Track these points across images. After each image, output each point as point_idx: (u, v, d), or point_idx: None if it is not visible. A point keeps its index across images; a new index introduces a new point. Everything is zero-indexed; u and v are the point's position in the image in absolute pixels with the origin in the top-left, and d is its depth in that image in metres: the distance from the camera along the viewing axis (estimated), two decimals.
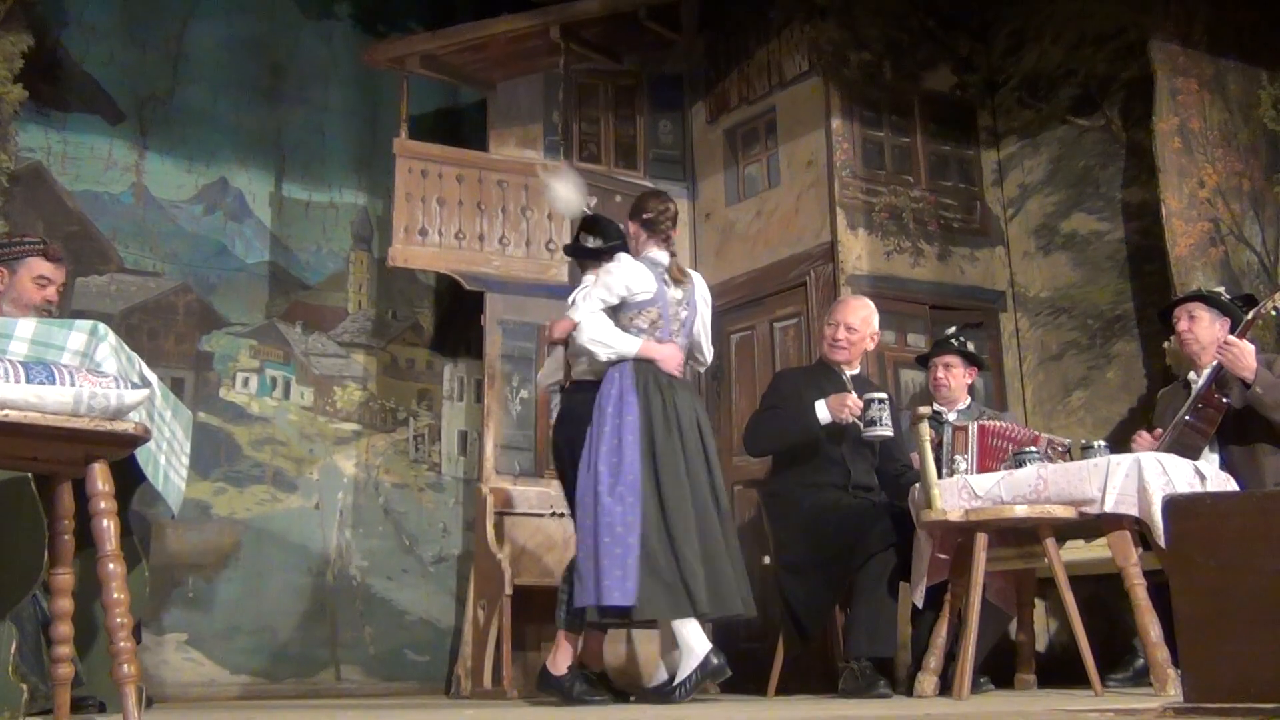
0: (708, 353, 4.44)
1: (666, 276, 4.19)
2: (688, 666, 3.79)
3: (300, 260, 6.22)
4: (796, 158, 6.27)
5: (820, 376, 4.74)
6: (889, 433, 4.46)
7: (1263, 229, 5.37)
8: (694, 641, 3.81)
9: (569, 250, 4.76)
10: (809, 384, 4.69)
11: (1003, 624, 4.58)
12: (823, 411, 4.50)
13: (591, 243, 4.52)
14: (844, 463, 4.61)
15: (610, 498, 3.87)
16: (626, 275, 4.13)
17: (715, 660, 3.79)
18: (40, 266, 3.79)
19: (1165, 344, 5.13)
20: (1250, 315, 4.27)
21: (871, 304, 4.86)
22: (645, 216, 4.26)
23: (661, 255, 4.21)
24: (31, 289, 3.76)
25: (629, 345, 4.05)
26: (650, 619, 3.94)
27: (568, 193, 4.77)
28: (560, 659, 4.10)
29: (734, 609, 3.92)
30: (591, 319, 4.07)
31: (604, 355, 4.06)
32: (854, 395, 4.51)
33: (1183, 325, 4.52)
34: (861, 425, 4.44)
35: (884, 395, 4.50)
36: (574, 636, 4.11)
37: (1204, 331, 4.46)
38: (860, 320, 4.74)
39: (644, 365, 4.05)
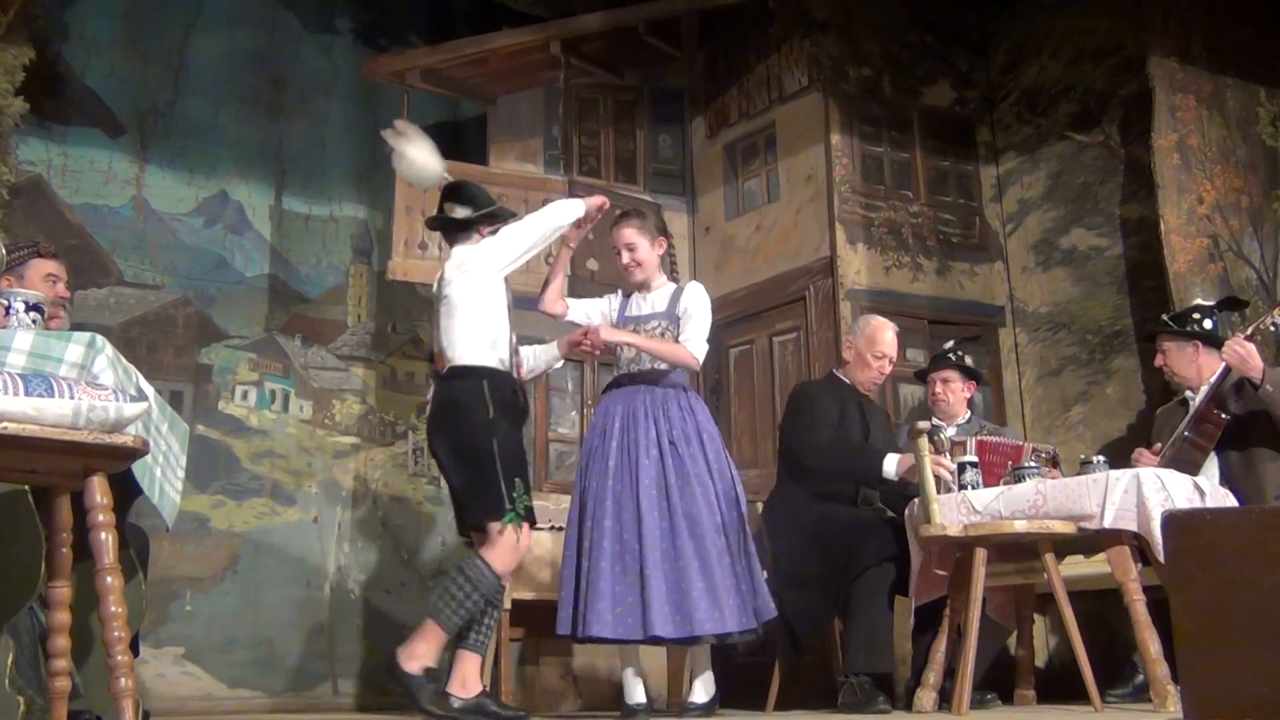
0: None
1: None
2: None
3: (300, 273, 6.21)
4: (796, 172, 6.28)
5: (844, 398, 4.64)
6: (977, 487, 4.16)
7: (1261, 245, 5.38)
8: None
9: (433, 223, 4.18)
10: (834, 403, 4.60)
11: (1001, 638, 4.58)
12: (890, 466, 4.33)
13: (459, 213, 4.02)
14: None
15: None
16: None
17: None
18: (45, 266, 3.82)
19: None
20: (1249, 330, 4.27)
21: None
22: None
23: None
24: (46, 289, 3.77)
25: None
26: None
27: (423, 158, 4.15)
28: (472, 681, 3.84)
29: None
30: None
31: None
32: (946, 458, 4.23)
33: (1158, 361, 4.54)
34: (955, 486, 4.14)
35: (975, 459, 4.18)
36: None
37: (1177, 363, 4.46)
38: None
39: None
